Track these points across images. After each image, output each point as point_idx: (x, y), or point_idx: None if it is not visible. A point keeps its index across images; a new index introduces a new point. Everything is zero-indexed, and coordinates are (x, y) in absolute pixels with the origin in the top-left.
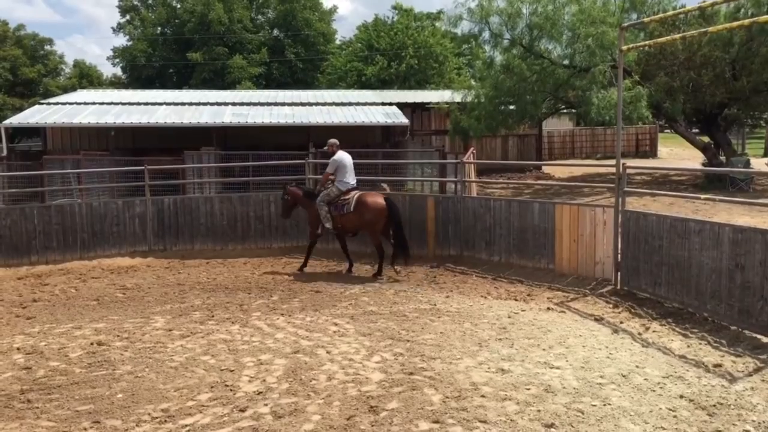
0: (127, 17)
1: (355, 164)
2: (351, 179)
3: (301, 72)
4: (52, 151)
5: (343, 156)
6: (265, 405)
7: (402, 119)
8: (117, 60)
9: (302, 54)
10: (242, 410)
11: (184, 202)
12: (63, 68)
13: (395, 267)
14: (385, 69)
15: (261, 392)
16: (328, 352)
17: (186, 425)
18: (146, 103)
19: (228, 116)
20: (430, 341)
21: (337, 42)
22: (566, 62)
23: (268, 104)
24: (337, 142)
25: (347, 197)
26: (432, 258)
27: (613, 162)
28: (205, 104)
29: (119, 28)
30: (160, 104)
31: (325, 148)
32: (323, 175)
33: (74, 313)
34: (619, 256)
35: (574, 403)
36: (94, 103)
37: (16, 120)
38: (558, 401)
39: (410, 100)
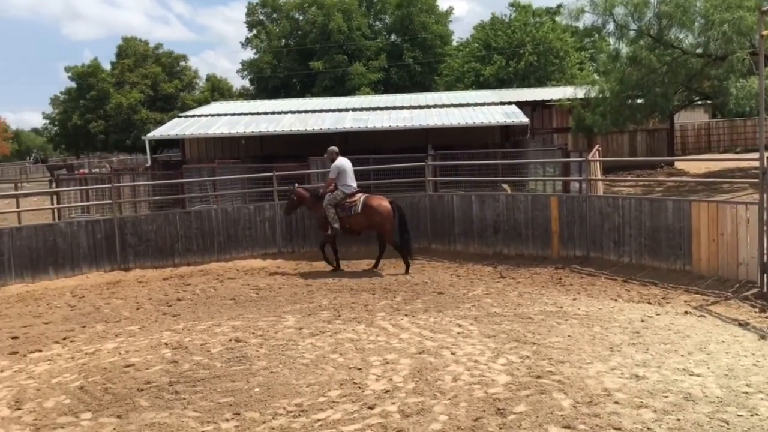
0: (254, 32)
1: (473, 165)
2: (353, 183)
3: (419, 75)
4: (190, 161)
5: (344, 162)
6: (393, 403)
7: (522, 118)
8: (245, 72)
9: (420, 57)
10: (371, 407)
11: None
12: (197, 82)
13: (408, 269)
14: (504, 68)
15: (388, 391)
16: (452, 353)
17: (318, 420)
18: (273, 112)
19: (349, 122)
20: (558, 344)
21: (454, 43)
22: (699, 51)
23: (387, 108)
24: (336, 150)
25: (353, 200)
26: (556, 259)
27: (754, 155)
28: (327, 111)
29: (247, 43)
30: (286, 113)
31: (325, 155)
32: (327, 180)
33: (213, 311)
34: (765, 256)
35: (717, 413)
36: (225, 115)
37: (158, 133)
38: (700, 410)
39: (530, 99)
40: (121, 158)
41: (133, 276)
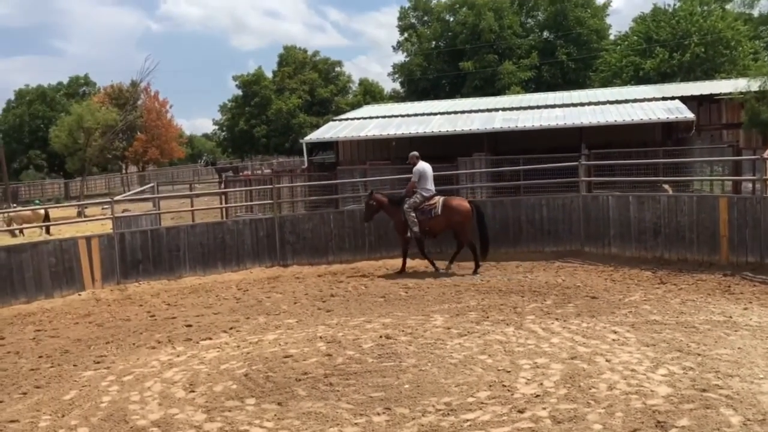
0: (405, 35)
1: (631, 165)
2: (432, 186)
3: (573, 72)
4: (343, 162)
5: (425, 166)
6: (543, 408)
7: (686, 114)
8: (396, 75)
9: (574, 54)
10: (520, 411)
11: None
12: (350, 87)
13: (478, 263)
14: (666, 61)
15: (538, 395)
16: (607, 361)
17: (467, 420)
18: (422, 114)
19: (498, 122)
20: (726, 357)
21: (611, 37)
22: None
23: (538, 107)
24: (417, 154)
25: (432, 202)
26: (725, 265)
27: None
28: (476, 111)
29: (398, 46)
30: (435, 114)
31: (408, 162)
32: (408, 184)
33: (365, 308)
34: None
35: None
36: (377, 117)
37: (314, 136)
38: None
39: (696, 93)
40: (280, 160)
41: (290, 272)
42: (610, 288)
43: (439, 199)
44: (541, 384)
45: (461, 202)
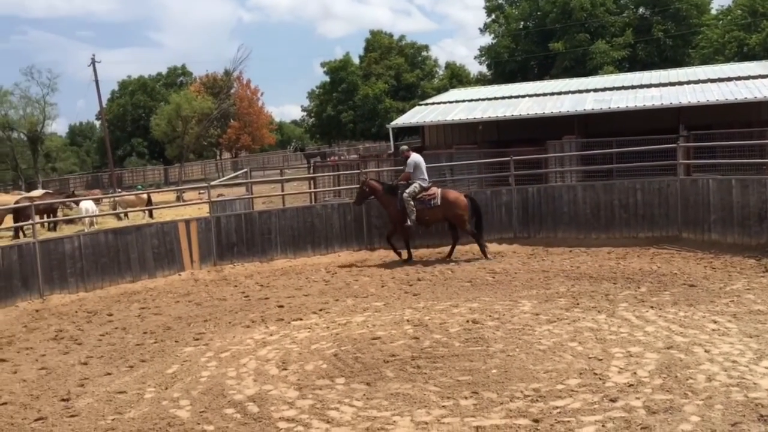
0: (492, 17)
1: (734, 146)
2: (426, 177)
3: (670, 50)
4: (429, 147)
5: (419, 157)
6: (637, 398)
7: None
8: (483, 58)
9: (671, 30)
10: (612, 400)
11: (547, 191)
12: (437, 71)
13: (486, 254)
14: None
15: (632, 385)
16: (706, 351)
17: (557, 407)
18: (509, 97)
19: (589, 103)
20: None
21: (713, 11)
22: None
23: (633, 87)
24: (407, 148)
25: (430, 193)
26: None
27: None
28: (566, 93)
29: (485, 28)
30: (523, 96)
31: (399, 155)
32: (402, 175)
33: (451, 292)
34: None
35: None
36: (463, 101)
37: (400, 121)
38: None
39: None
40: (367, 146)
41: (377, 256)
42: (709, 276)
43: (437, 191)
44: (635, 373)
45: (459, 196)
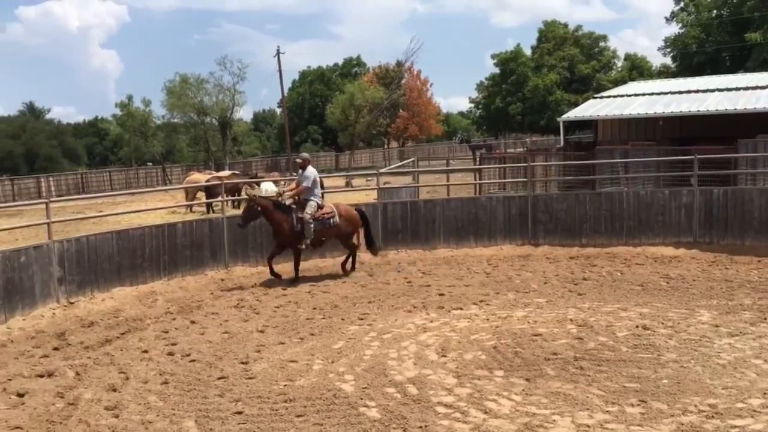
0: (681, 5)
1: None
2: (320, 193)
3: None
4: (602, 142)
5: (315, 171)
6: None
7: None
8: (668, 50)
9: None
10: None
11: (736, 193)
12: (615, 62)
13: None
14: None
15: None
16: None
17: (735, 426)
18: (696, 91)
19: None
20: None
21: None
22: None
23: None
24: (308, 156)
25: (328, 211)
26: None
27: None
28: (762, 88)
29: (672, 17)
30: (712, 91)
31: (298, 161)
32: (299, 188)
33: (620, 295)
34: None
35: None
36: (642, 95)
37: (572, 114)
38: None
39: None
40: (534, 139)
41: (541, 252)
42: None
43: (332, 208)
44: None
45: (352, 210)
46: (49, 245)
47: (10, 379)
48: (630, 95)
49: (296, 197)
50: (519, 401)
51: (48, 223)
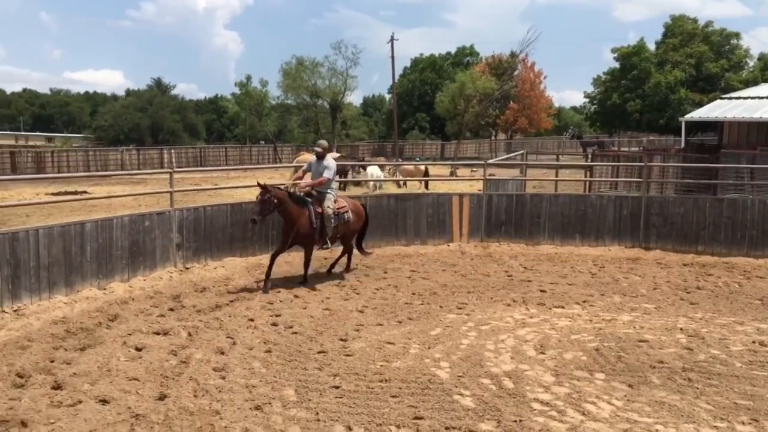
0: None
1: None
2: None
3: None
4: (728, 145)
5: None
6: None
7: None
8: None
9: None
10: None
11: None
12: (746, 62)
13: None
14: None
15: None
16: None
17: None
18: None
19: None
20: None
21: None
22: None
23: None
24: (327, 143)
25: (342, 206)
26: None
27: None
28: None
29: None
30: None
31: (317, 149)
32: (321, 179)
33: (736, 308)
34: None
35: None
36: None
37: (697, 114)
38: None
39: None
40: (651, 138)
41: (652, 256)
42: None
43: (347, 203)
44: None
45: (359, 206)
46: (170, 212)
47: (130, 334)
48: (762, 97)
49: (311, 190)
50: (620, 406)
51: (171, 192)
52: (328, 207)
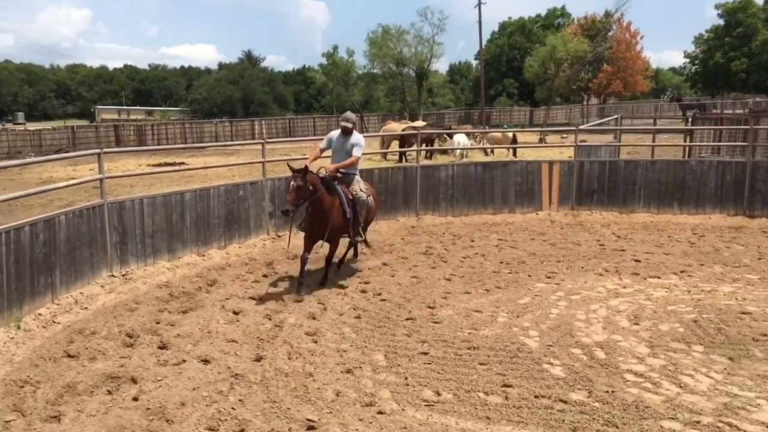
0: None
1: None
2: None
3: None
4: None
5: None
6: None
7: None
8: None
9: None
10: None
11: None
12: None
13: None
14: None
15: None
16: None
17: None
18: None
19: None
20: None
21: None
22: None
23: None
24: (356, 118)
25: (366, 187)
26: None
27: None
28: None
29: None
30: None
31: (346, 124)
32: (352, 159)
33: None
34: None
35: None
36: None
37: None
38: None
39: None
40: (758, 100)
41: (757, 224)
42: None
43: (367, 185)
44: None
45: (373, 188)
46: (263, 182)
47: (227, 299)
48: None
49: (337, 172)
50: (719, 380)
51: (263, 162)
52: (361, 190)
